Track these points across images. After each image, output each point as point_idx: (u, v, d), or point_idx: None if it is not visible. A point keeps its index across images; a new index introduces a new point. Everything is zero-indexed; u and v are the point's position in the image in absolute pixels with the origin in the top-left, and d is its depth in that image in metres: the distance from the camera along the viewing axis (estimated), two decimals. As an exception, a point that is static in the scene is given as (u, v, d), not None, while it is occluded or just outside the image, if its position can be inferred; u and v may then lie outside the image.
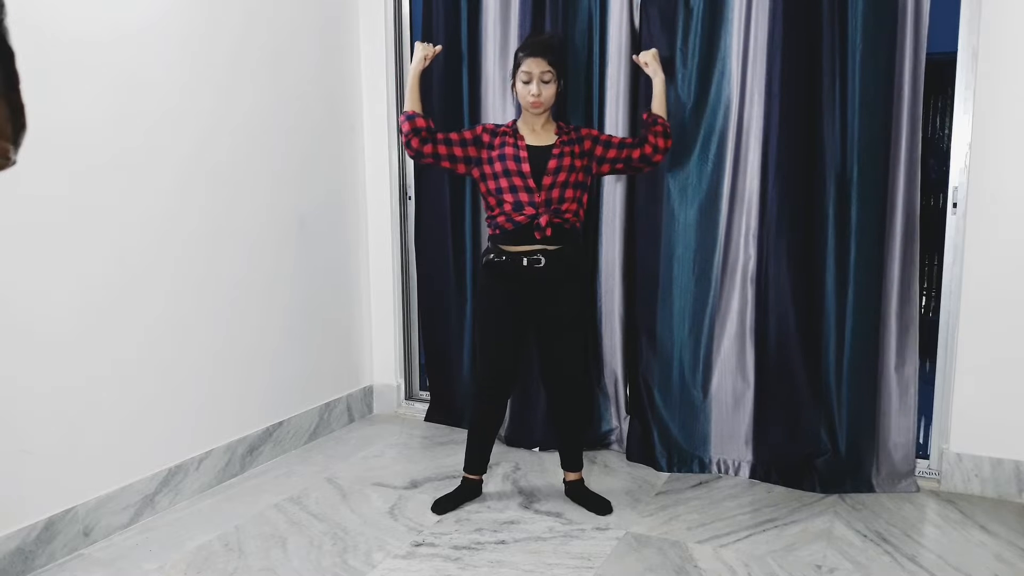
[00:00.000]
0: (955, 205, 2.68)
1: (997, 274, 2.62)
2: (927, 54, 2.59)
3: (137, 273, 2.48)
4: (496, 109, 3.19)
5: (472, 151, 2.53)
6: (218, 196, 2.78)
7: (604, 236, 3.07)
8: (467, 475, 2.68)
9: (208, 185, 2.73)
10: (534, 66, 2.44)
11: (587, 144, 2.53)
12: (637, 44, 2.93)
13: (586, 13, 2.98)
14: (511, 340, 2.55)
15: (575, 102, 3.00)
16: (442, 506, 2.61)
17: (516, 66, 2.49)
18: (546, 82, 2.45)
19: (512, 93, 2.60)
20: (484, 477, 2.75)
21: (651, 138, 2.54)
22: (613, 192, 3.03)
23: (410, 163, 3.54)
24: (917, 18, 2.57)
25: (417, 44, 2.65)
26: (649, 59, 2.64)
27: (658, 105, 2.59)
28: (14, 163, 0.88)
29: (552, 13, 3.01)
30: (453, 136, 2.54)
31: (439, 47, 2.66)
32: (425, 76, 3.29)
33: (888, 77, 2.61)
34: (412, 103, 2.58)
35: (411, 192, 3.54)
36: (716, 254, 2.89)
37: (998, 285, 2.62)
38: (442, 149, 2.53)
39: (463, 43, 3.22)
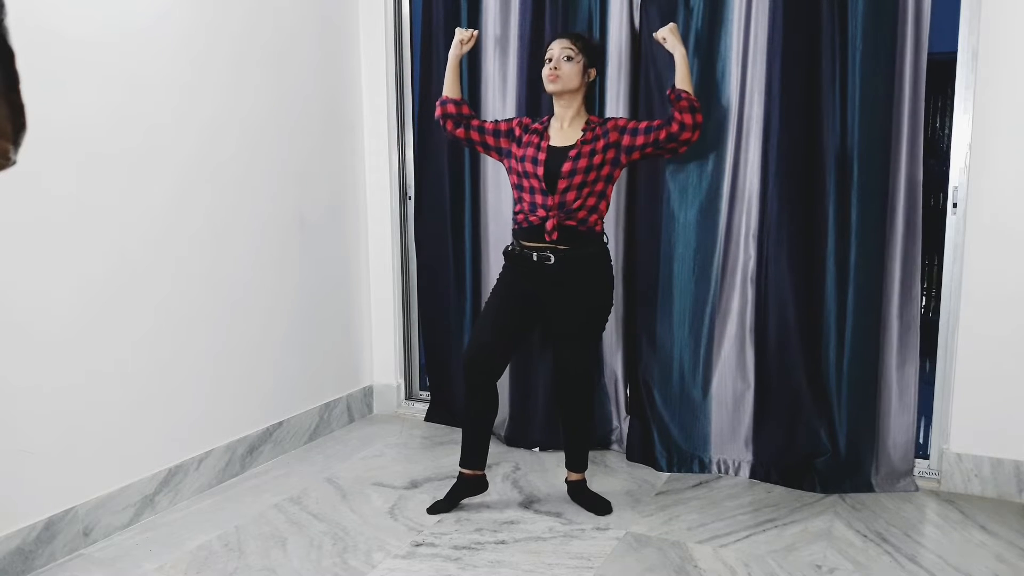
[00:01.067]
0: (955, 205, 2.68)
1: (997, 274, 2.62)
2: (927, 54, 2.59)
3: (137, 272, 2.48)
4: (496, 108, 3.19)
5: (504, 142, 2.57)
6: (218, 196, 2.77)
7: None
8: (462, 470, 2.63)
9: (208, 185, 2.73)
10: (556, 46, 2.45)
11: (613, 136, 2.46)
12: (637, 44, 2.93)
13: (586, 13, 2.98)
14: (505, 323, 2.53)
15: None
16: (437, 507, 2.60)
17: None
18: (568, 59, 2.43)
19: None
20: (487, 474, 2.68)
21: (676, 114, 2.40)
22: (613, 192, 3.02)
23: (410, 163, 3.54)
24: (918, 18, 2.57)
25: (457, 30, 2.68)
26: (667, 34, 2.50)
27: (681, 79, 2.44)
28: (14, 163, 0.88)
29: (552, 13, 3.01)
30: (488, 125, 2.60)
31: (476, 31, 2.68)
32: (426, 77, 3.31)
33: (888, 77, 2.61)
34: (447, 88, 2.64)
35: (411, 192, 3.54)
36: (716, 254, 2.89)
37: (998, 285, 2.62)
38: (475, 135, 2.61)
39: (463, 43, 3.22)
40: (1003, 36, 2.53)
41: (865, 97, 2.62)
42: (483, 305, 2.69)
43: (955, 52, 2.62)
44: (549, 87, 2.47)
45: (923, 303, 2.75)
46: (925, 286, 2.77)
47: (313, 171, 3.24)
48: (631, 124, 2.47)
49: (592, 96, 2.69)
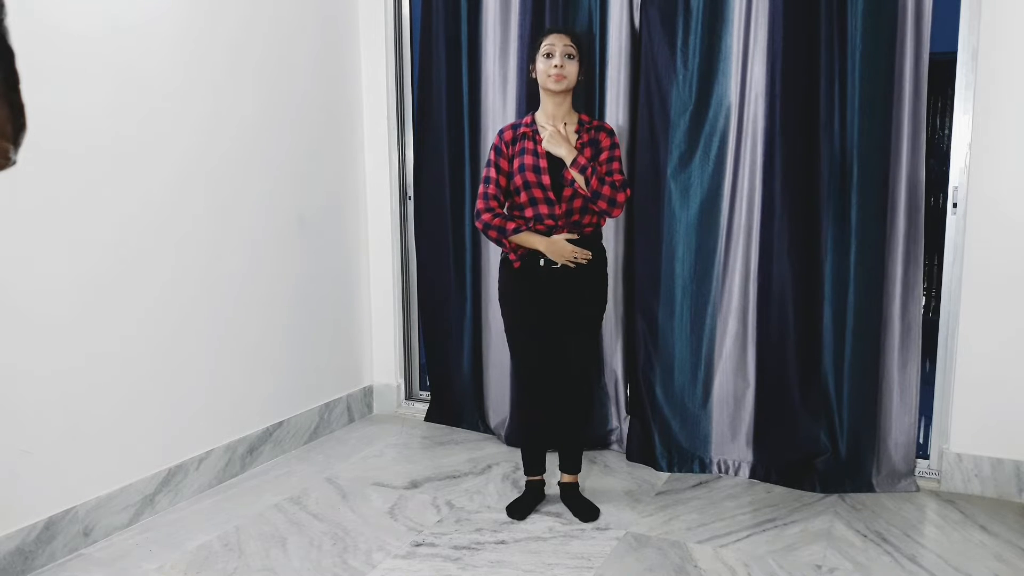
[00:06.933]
0: (955, 205, 2.68)
1: (997, 274, 2.62)
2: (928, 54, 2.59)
3: (136, 273, 2.48)
4: (496, 109, 3.19)
5: (506, 165, 2.46)
6: (217, 194, 2.77)
7: (604, 236, 3.06)
8: (529, 477, 2.67)
9: (207, 183, 2.73)
10: (557, 40, 2.37)
11: (605, 142, 2.45)
12: (637, 44, 2.93)
13: (586, 13, 2.98)
14: (544, 340, 2.51)
15: (575, 102, 2.99)
16: (515, 510, 2.58)
17: (535, 49, 2.42)
18: (569, 57, 2.36)
19: (530, 74, 2.47)
20: (544, 477, 2.70)
21: (603, 204, 2.40)
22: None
23: (410, 163, 3.53)
24: (918, 17, 2.57)
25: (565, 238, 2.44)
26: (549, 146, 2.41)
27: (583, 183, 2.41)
28: (14, 163, 0.88)
29: (552, 13, 3.01)
30: (502, 181, 2.46)
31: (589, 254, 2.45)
32: (426, 77, 3.31)
33: (888, 77, 2.61)
34: (524, 238, 2.42)
35: (411, 192, 3.54)
36: (717, 254, 2.89)
37: (998, 285, 2.62)
38: (503, 198, 2.48)
39: (463, 43, 3.22)
40: (1003, 36, 2.53)
41: (865, 97, 2.62)
42: (505, 317, 2.57)
43: (955, 52, 2.62)
44: (553, 86, 2.39)
45: (923, 303, 2.75)
46: (925, 286, 2.77)
47: (312, 171, 3.24)
48: (604, 155, 2.43)
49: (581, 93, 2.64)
